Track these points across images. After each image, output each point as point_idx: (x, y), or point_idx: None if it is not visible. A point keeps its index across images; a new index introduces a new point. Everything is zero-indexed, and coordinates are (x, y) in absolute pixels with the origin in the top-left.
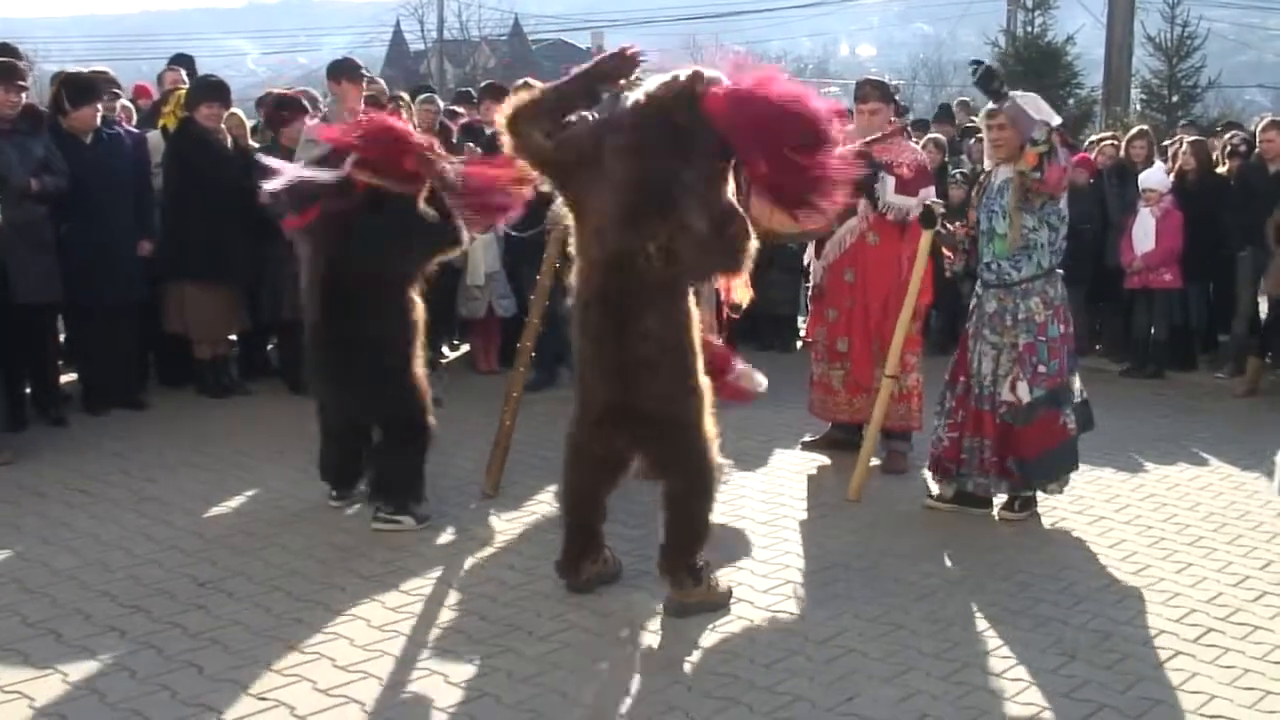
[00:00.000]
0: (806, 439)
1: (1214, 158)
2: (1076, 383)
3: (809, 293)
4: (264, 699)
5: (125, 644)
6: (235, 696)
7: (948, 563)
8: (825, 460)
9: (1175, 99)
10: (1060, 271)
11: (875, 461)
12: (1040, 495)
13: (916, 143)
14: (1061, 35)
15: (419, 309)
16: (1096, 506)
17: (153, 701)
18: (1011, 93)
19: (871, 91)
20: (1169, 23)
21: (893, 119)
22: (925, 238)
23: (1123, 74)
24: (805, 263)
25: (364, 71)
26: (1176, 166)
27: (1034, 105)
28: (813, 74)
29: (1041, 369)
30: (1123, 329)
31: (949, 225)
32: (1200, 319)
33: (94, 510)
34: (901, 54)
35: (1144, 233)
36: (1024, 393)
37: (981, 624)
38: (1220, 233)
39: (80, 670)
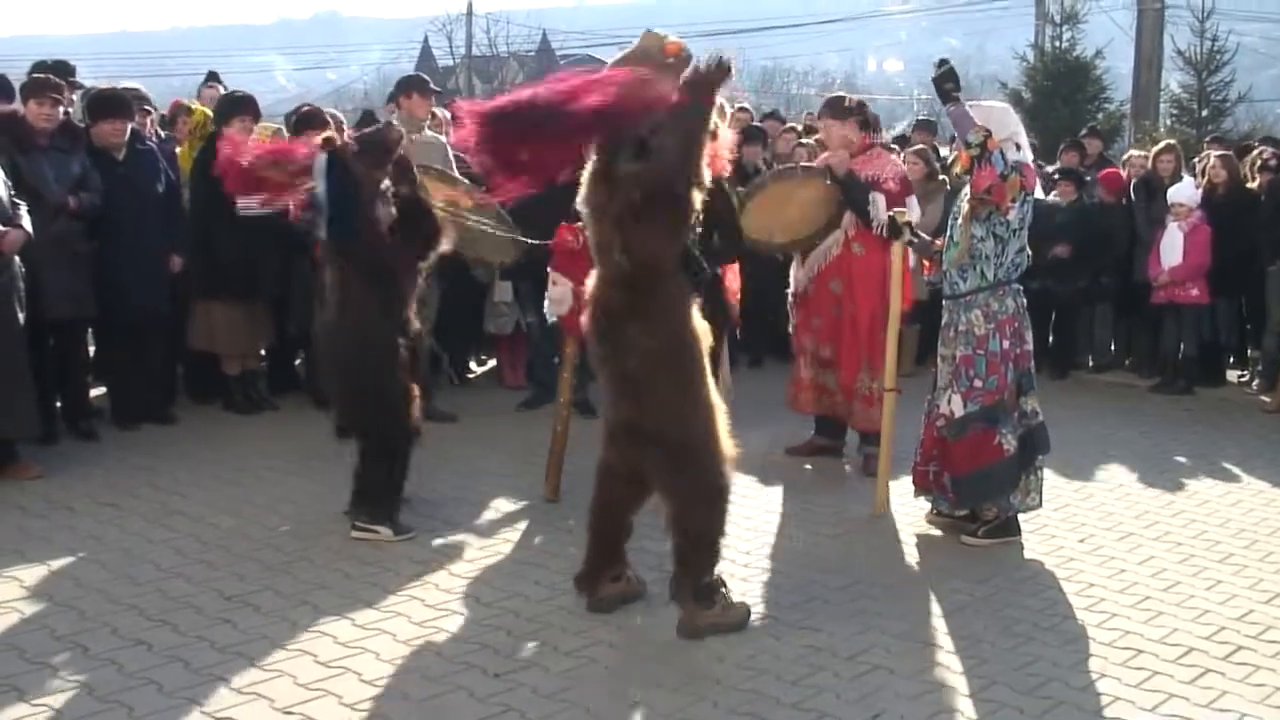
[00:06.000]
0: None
1: (1244, 172)
2: (1030, 404)
3: (791, 301)
4: (290, 713)
5: (153, 657)
6: (262, 711)
7: (974, 579)
8: (850, 474)
9: (1205, 113)
10: (1015, 286)
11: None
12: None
13: (899, 155)
14: (1090, 50)
15: (410, 321)
16: (1126, 523)
17: (180, 715)
18: (982, 102)
19: (822, 110)
20: (1198, 37)
21: (862, 134)
22: (896, 247)
23: (1152, 88)
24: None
25: (433, 87)
26: (1206, 181)
27: (994, 116)
28: (840, 89)
29: (978, 384)
30: (1151, 345)
31: (921, 234)
32: (1230, 334)
33: (123, 524)
34: (929, 69)
35: (1171, 247)
36: (957, 407)
37: (1009, 641)
38: (1251, 247)
39: (108, 684)
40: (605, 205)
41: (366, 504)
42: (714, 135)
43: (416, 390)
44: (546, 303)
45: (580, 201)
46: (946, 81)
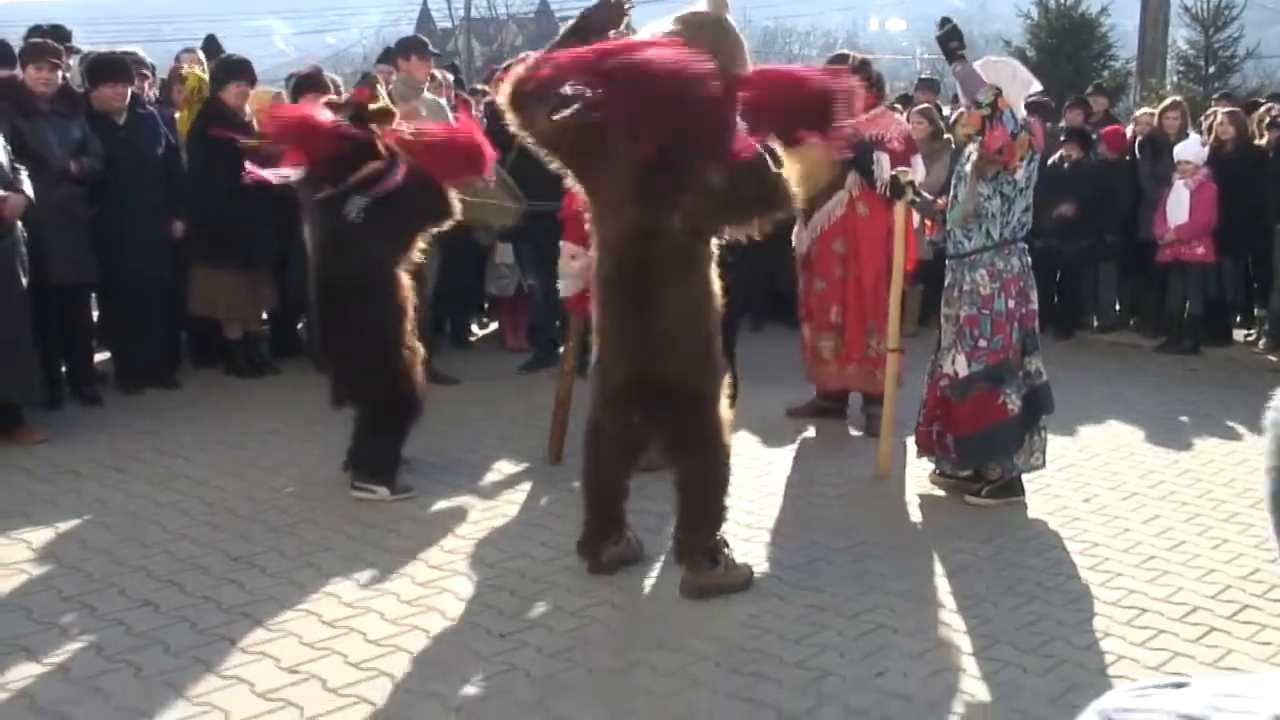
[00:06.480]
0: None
1: (1251, 129)
2: (1034, 363)
3: (797, 262)
4: (296, 672)
5: (160, 618)
6: (268, 670)
7: (978, 539)
8: (853, 435)
9: (1212, 70)
10: (1021, 245)
11: (908, 439)
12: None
13: (903, 114)
14: (1095, 6)
15: (406, 290)
16: (1130, 482)
17: (187, 674)
18: (990, 59)
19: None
20: None
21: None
22: (898, 207)
23: (1158, 45)
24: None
25: (431, 49)
26: (1213, 138)
27: (1001, 73)
28: (842, 49)
29: (982, 343)
30: (1157, 304)
31: (923, 194)
32: (1237, 293)
33: (128, 487)
34: (932, 27)
35: (1178, 205)
36: (961, 366)
37: (1012, 600)
38: (1258, 205)
39: (116, 643)
40: (670, 194)
41: (364, 469)
42: None
43: (421, 352)
44: (561, 280)
45: (620, 184)
46: (951, 40)
